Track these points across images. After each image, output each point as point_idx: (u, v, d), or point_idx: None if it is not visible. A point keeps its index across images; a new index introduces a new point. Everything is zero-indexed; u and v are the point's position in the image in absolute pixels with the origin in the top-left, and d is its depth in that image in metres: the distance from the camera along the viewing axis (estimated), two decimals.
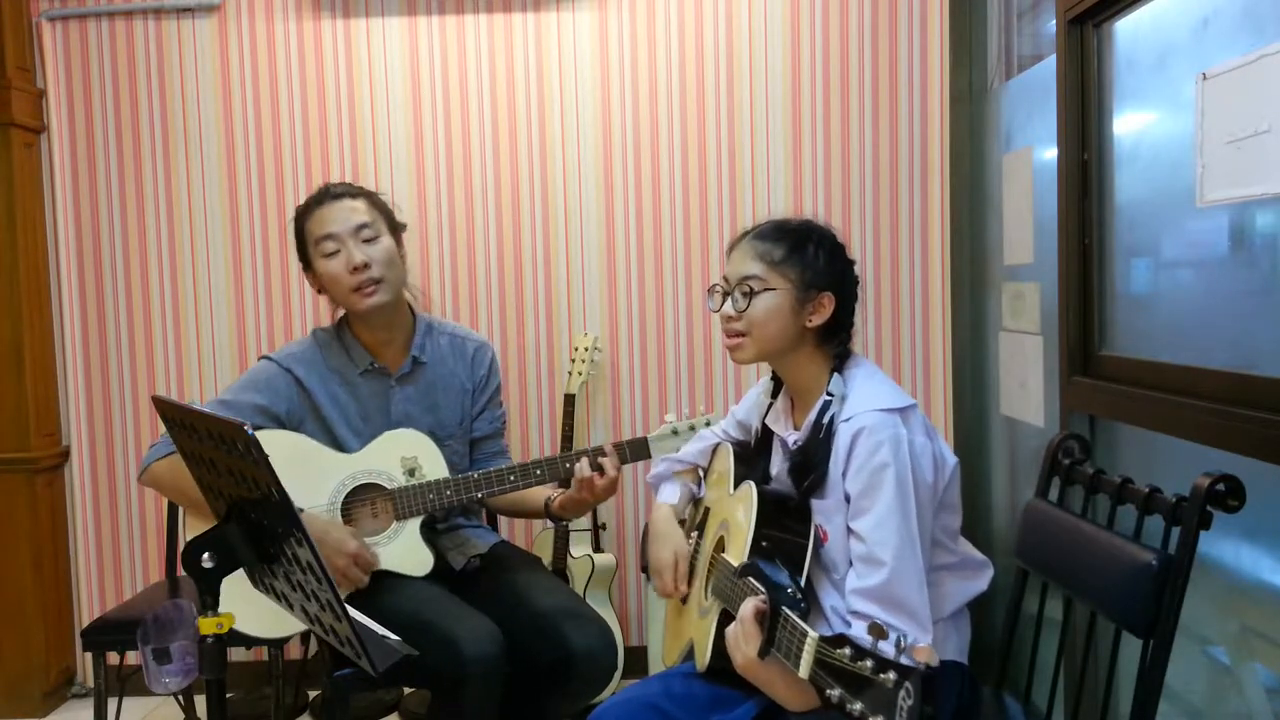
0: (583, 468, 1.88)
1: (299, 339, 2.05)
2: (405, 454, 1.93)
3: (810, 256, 1.56)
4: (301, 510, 1.78)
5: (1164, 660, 1.29)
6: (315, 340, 2.02)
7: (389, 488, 1.92)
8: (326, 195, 1.98)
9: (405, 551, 1.91)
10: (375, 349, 2.01)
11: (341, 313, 2.03)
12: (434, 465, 1.94)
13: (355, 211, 1.95)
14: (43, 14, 2.84)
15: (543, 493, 2.01)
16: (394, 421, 1.99)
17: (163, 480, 1.89)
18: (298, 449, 1.91)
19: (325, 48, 2.86)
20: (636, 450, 1.95)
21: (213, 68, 2.87)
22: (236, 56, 2.87)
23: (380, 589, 1.85)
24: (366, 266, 1.91)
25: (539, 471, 1.93)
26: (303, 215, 2.00)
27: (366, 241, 1.93)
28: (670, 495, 1.82)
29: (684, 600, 1.73)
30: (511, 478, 1.93)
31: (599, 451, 1.89)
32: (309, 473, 1.89)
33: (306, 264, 2.00)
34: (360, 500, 1.93)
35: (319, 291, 2.01)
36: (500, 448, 2.17)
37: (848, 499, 1.47)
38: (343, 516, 1.91)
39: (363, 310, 1.93)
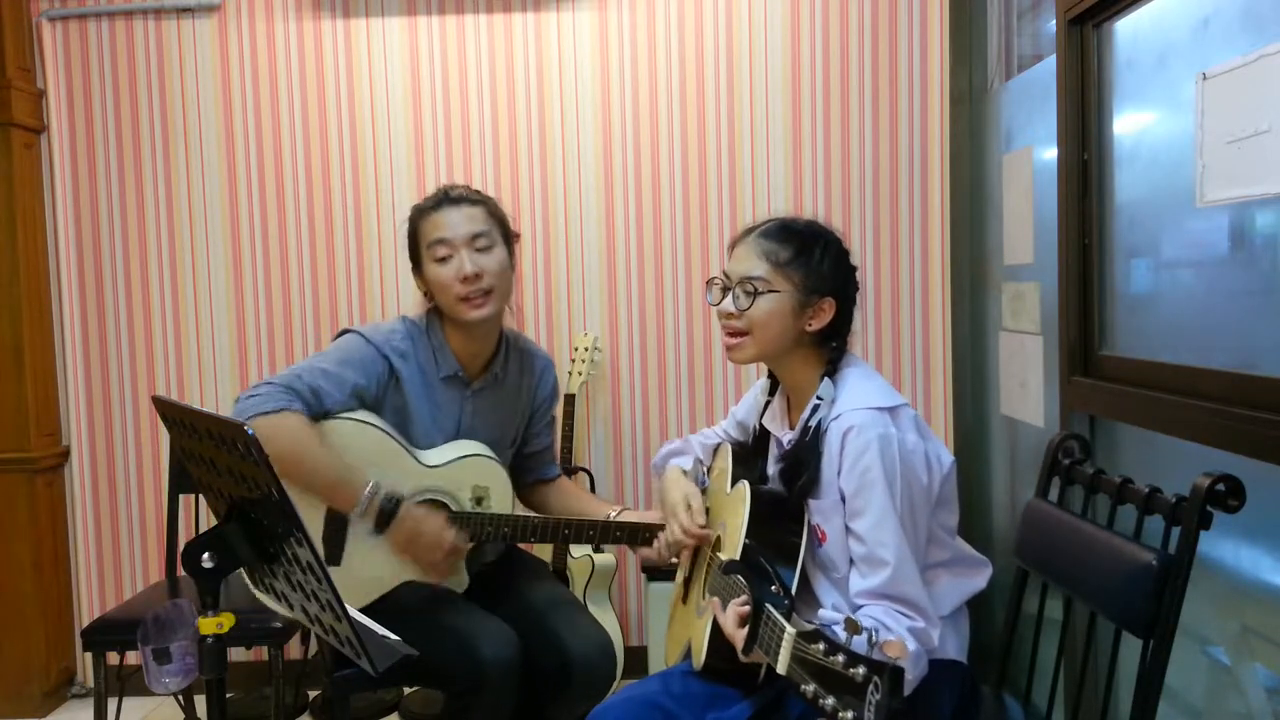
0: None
1: (389, 323, 1.96)
2: (478, 482, 1.90)
3: (816, 261, 1.55)
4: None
5: (1164, 660, 1.29)
6: (408, 331, 1.94)
7: (452, 509, 1.88)
8: (445, 199, 1.92)
9: None
10: (463, 357, 1.95)
11: (431, 308, 1.97)
12: (502, 499, 1.92)
13: (472, 219, 1.89)
14: (43, 14, 2.84)
15: (605, 508, 1.99)
16: (462, 430, 1.96)
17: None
18: (381, 450, 1.86)
19: (325, 48, 2.86)
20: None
21: (213, 68, 2.87)
22: (236, 56, 2.87)
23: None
24: (478, 277, 1.86)
25: (617, 534, 1.87)
26: (418, 216, 1.94)
27: (480, 250, 1.88)
28: (681, 464, 1.83)
29: (685, 599, 1.73)
30: (566, 531, 1.88)
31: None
32: (384, 475, 1.84)
33: (416, 265, 1.95)
34: None
35: (425, 295, 1.96)
36: (551, 458, 2.16)
37: (843, 498, 1.47)
38: None
39: (468, 320, 1.88)
